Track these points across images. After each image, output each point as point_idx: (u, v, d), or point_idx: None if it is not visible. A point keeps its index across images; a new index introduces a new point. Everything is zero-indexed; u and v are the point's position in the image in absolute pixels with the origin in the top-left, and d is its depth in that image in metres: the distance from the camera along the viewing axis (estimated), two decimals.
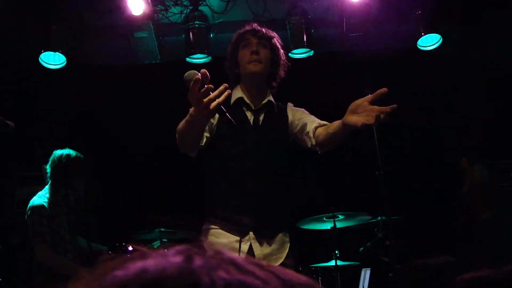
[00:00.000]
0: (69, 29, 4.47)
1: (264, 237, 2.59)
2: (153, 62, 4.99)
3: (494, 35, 4.83)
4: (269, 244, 2.60)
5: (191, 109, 2.12)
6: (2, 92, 4.85)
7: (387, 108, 2.06)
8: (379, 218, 4.07)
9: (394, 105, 2.06)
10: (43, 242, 3.50)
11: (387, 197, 3.19)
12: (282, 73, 2.81)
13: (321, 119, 2.65)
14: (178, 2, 4.50)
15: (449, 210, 4.51)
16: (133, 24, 4.43)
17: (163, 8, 4.50)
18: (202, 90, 1.95)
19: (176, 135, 2.34)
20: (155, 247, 4.16)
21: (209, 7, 4.55)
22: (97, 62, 5.00)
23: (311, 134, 2.57)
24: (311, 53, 4.62)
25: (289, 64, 2.87)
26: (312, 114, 2.75)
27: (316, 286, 0.50)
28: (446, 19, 4.61)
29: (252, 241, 2.56)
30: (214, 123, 2.61)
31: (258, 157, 2.62)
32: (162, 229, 4.15)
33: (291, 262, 2.66)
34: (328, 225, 4.23)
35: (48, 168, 3.76)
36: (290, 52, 4.45)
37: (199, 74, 1.95)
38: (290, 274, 0.49)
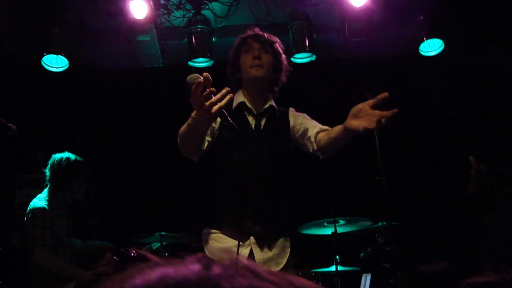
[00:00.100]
0: (71, 32, 4.48)
1: (264, 242, 2.58)
2: (155, 65, 4.99)
3: (497, 40, 4.83)
4: (270, 249, 2.59)
5: (193, 113, 2.12)
6: (4, 95, 4.86)
7: (388, 113, 2.07)
8: (380, 223, 4.06)
9: (395, 110, 2.07)
10: (43, 245, 3.49)
11: (388, 203, 3.18)
12: (284, 78, 2.81)
13: (323, 124, 2.65)
14: (181, 6, 4.51)
15: (451, 215, 4.49)
16: (136, 27, 4.43)
17: (165, 12, 4.51)
18: (204, 94, 1.96)
19: (178, 139, 2.34)
20: (154, 248, 4.14)
21: (212, 11, 4.55)
22: (99, 65, 5.01)
23: (312, 139, 2.57)
24: (313, 57, 4.62)
25: (291, 68, 2.88)
26: (313, 118, 2.75)
27: None
28: (448, 25, 4.61)
29: (253, 246, 2.55)
30: (215, 127, 2.61)
31: (260, 162, 2.62)
32: (163, 233, 4.15)
33: (292, 267, 2.65)
34: (329, 230, 4.22)
35: (47, 171, 3.76)
36: (292, 56, 4.45)
37: (202, 77, 1.96)
38: (306, 282, 0.50)
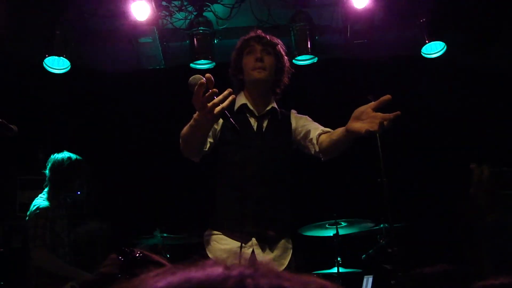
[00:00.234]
0: (73, 34, 4.49)
1: (266, 243, 2.58)
2: (157, 67, 5.00)
3: (497, 41, 4.83)
4: (272, 250, 2.59)
5: (195, 114, 2.12)
6: (5, 96, 4.87)
7: (390, 115, 2.07)
8: (381, 225, 4.05)
9: (398, 112, 2.07)
10: (43, 245, 3.49)
11: (390, 204, 3.19)
12: (286, 80, 2.81)
13: (325, 126, 2.65)
14: (183, 7, 4.52)
15: (452, 217, 4.49)
16: (138, 29, 4.44)
17: (167, 13, 4.52)
18: (206, 95, 1.96)
19: (180, 140, 2.34)
20: (150, 245, 4.12)
21: (214, 13, 4.56)
22: (101, 67, 5.02)
23: (314, 141, 2.57)
24: (315, 59, 4.62)
25: (293, 70, 2.88)
26: (315, 121, 2.75)
27: None
28: (450, 27, 4.61)
29: (255, 247, 2.55)
30: (217, 129, 2.61)
31: (261, 163, 2.62)
32: (165, 234, 4.15)
33: (294, 268, 2.65)
34: (330, 232, 4.22)
35: (47, 172, 3.76)
36: (294, 58, 4.46)
37: (204, 78, 1.96)
38: (325, 282, 0.50)
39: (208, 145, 2.53)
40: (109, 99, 5.16)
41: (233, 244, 2.54)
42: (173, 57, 4.88)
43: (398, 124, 2.11)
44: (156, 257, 0.85)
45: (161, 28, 4.56)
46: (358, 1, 4.27)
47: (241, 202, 2.55)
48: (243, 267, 0.48)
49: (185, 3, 4.52)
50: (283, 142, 2.73)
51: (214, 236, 2.62)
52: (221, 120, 2.49)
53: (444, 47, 4.54)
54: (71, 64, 4.46)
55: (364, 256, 4.20)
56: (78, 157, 3.83)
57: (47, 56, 4.40)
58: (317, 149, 2.56)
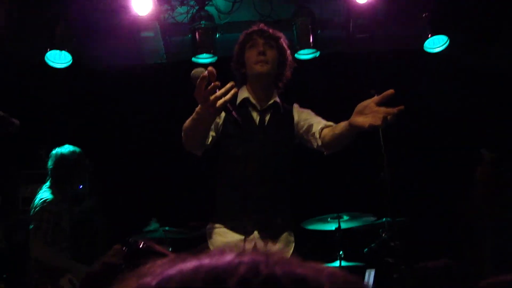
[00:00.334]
0: (74, 28, 4.48)
1: (268, 236, 2.59)
2: (159, 62, 5.00)
3: (502, 37, 4.82)
4: (274, 243, 2.60)
5: (198, 107, 2.12)
6: (7, 91, 4.87)
7: (394, 110, 2.06)
8: (384, 219, 4.05)
9: (401, 106, 2.06)
10: (43, 237, 3.51)
11: (392, 198, 3.19)
12: (288, 73, 2.81)
13: (327, 120, 2.65)
14: (185, 2, 4.50)
15: (455, 211, 4.49)
16: (139, 24, 4.43)
17: (169, 8, 4.51)
18: (208, 88, 1.96)
19: (182, 133, 2.34)
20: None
21: (216, 7, 4.55)
22: (103, 61, 5.01)
23: (317, 135, 2.57)
24: (317, 54, 4.61)
25: (296, 64, 2.87)
26: (318, 115, 2.75)
27: (360, 282, 0.51)
28: (453, 21, 4.59)
29: (257, 240, 2.56)
30: (220, 123, 2.61)
31: (263, 157, 2.62)
32: (167, 228, 4.16)
33: None
34: (332, 226, 4.22)
35: (51, 166, 3.76)
36: (296, 53, 4.45)
37: (206, 71, 1.96)
38: (335, 268, 0.50)
39: (210, 139, 2.53)
40: (111, 93, 5.16)
41: (236, 237, 2.55)
42: (175, 52, 4.87)
43: (401, 119, 2.11)
44: (160, 248, 0.86)
45: (163, 22, 4.56)
46: None
47: (243, 195, 2.56)
48: (255, 253, 0.47)
49: None
50: (285, 136, 2.73)
51: (216, 230, 2.63)
52: (223, 114, 2.49)
53: (447, 41, 4.52)
54: (72, 59, 4.46)
55: (366, 250, 4.21)
56: (80, 150, 3.83)
57: (49, 50, 4.40)
58: (320, 143, 2.56)
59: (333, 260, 4.12)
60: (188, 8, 4.55)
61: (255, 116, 2.71)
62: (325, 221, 4.25)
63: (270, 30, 2.75)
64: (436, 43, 4.57)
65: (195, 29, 4.53)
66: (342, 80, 5.00)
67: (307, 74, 4.12)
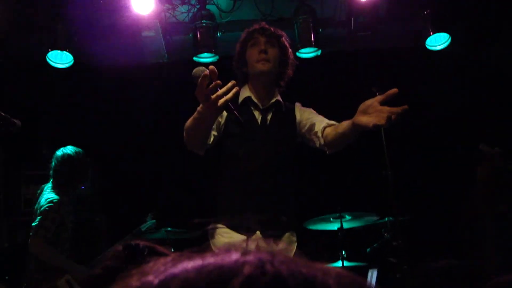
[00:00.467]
0: (76, 28, 4.47)
1: (271, 236, 2.57)
2: (160, 61, 4.99)
3: (503, 35, 4.80)
4: (276, 243, 2.58)
5: (199, 106, 2.11)
6: (9, 91, 4.87)
7: (398, 109, 2.05)
8: (386, 218, 4.04)
9: (405, 106, 2.05)
10: (44, 237, 3.51)
11: (395, 198, 3.17)
12: (290, 72, 2.79)
13: (329, 119, 2.63)
14: (186, 1, 4.49)
15: (457, 210, 4.48)
16: (141, 23, 4.42)
17: (170, 7, 4.50)
18: (210, 87, 1.94)
19: (184, 133, 2.33)
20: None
21: (217, 6, 4.54)
22: (104, 61, 5.00)
23: (319, 134, 2.56)
24: (319, 52, 4.60)
25: (297, 63, 2.86)
26: (319, 113, 2.73)
27: (366, 284, 0.49)
28: (455, 19, 4.58)
29: (259, 240, 2.54)
30: (221, 122, 2.60)
31: (265, 157, 2.61)
32: (169, 229, 4.15)
33: None
34: (335, 226, 4.21)
35: (55, 166, 3.76)
36: (297, 51, 4.43)
37: (208, 70, 1.94)
38: (341, 269, 0.49)
39: (212, 138, 2.52)
40: (112, 93, 5.15)
41: (238, 237, 2.54)
42: (176, 51, 4.86)
43: (403, 118, 2.09)
44: (162, 249, 0.84)
45: (164, 21, 4.55)
46: None
47: (245, 195, 2.55)
48: (261, 253, 0.46)
49: None
50: (287, 135, 2.71)
51: (218, 230, 2.61)
52: (225, 113, 2.48)
53: (449, 39, 4.51)
54: (74, 59, 4.45)
55: (368, 249, 4.20)
56: (82, 151, 3.84)
57: (50, 51, 4.39)
58: (322, 142, 2.55)
59: (336, 260, 4.10)
60: (189, 7, 4.54)
61: (257, 115, 2.70)
62: (327, 221, 4.24)
63: (272, 29, 2.73)
64: (437, 41, 4.56)
65: (196, 28, 4.52)
66: (344, 78, 4.98)
67: (308, 72, 4.11)
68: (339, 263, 4.03)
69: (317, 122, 2.62)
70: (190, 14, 4.57)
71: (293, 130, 2.73)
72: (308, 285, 0.44)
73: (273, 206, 2.58)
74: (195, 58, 4.56)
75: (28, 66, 4.88)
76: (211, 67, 1.96)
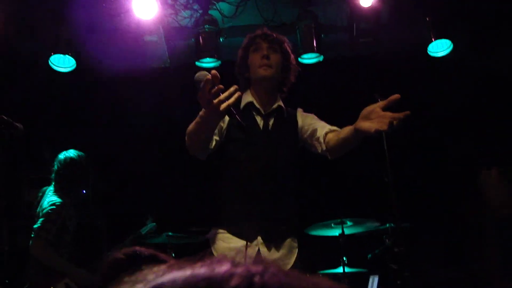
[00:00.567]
0: (78, 32, 4.48)
1: (272, 242, 2.57)
2: (163, 66, 4.99)
3: (505, 42, 4.80)
4: (277, 249, 2.58)
5: (201, 111, 2.11)
6: (11, 94, 4.87)
7: (400, 115, 2.04)
8: (387, 225, 4.03)
9: (407, 112, 2.04)
10: (45, 239, 3.51)
11: (396, 204, 3.17)
12: (292, 78, 2.80)
13: (331, 124, 2.63)
14: (188, 6, 4.51)
15: (458, 217, 4.47)
16: (143, 28, 4.43)
17: (173, 12, 4.51)
18: (212, 91, 1.95)
19: (186, 137, 2.33)
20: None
21: (219, 11, 4.55)
22: (106, 65, 5.01)
23: (321, 140, 2.56)
24: (321, 58, 4.60)
25: (299, 68, 2.86)
26: (321, 119, 2.73)
27: None
28: (456, 25, 4.58)
29: (260, 246, 2.54)
30: (224, 127, 2.60)
31: (267, 161, 2.60)
32: (170, 233, 4.15)
33: (299, 268, 2.63)
34: (336, 232, 4.20)
35: (57, 170, 3.77)
36: (299, 57, 4.44)
37: (210, 75, 1.95)
38: (334, 284, 0.49)
39: (214, 143, 2.52)
40: (115, 97, 5.16)
41: (239, 242, 2.53)
42: (178, 56, 4.87)
43: (405, 123, 2.09)
44: (163, 256, 0.84)
45: (166, 26, 4.55)
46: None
47: (246, 200, 2.54)
48: (250, 264, 0.46)
49: (191, 1, 4.51)
50: (289, 141, 2.71)
51: (219, 235, 2.61)
52: (227, 118, 2.48)
53: (451, 45, 4.51)
54: (76, 63, 4.46)
55: (370, 255, 4.18)
56: (83, 155, 3.86)
57: (53, 54, 4.40)
58: (324, 148, 2.54)
59: (337, 266, 4.09)
60: (192, 12, 4.55)
61: (259, 120, 2.70)
62: (328, 226, 4.23)
63: (274, 34, 2.74)
64: (439, 47, 4.56)
65: (199, 33, 4.53)
66: (346, 84, 4.98)
67: (310, 78, 4.11)
68: (340, 269, 4.02)
69: (319, 128, 2.62)
70: (193, 19, 4.58)
71: (295, 136, 2.73)
72: None
73: (274, 211, 2.58)
74: (197, 63, 4.57)
75: (31, 70, 4.88)
76: (213, 71, 1.96)
